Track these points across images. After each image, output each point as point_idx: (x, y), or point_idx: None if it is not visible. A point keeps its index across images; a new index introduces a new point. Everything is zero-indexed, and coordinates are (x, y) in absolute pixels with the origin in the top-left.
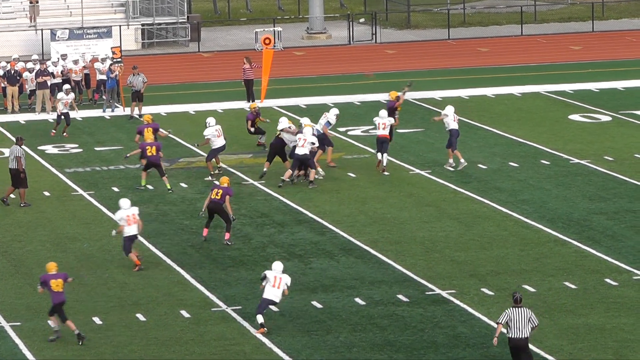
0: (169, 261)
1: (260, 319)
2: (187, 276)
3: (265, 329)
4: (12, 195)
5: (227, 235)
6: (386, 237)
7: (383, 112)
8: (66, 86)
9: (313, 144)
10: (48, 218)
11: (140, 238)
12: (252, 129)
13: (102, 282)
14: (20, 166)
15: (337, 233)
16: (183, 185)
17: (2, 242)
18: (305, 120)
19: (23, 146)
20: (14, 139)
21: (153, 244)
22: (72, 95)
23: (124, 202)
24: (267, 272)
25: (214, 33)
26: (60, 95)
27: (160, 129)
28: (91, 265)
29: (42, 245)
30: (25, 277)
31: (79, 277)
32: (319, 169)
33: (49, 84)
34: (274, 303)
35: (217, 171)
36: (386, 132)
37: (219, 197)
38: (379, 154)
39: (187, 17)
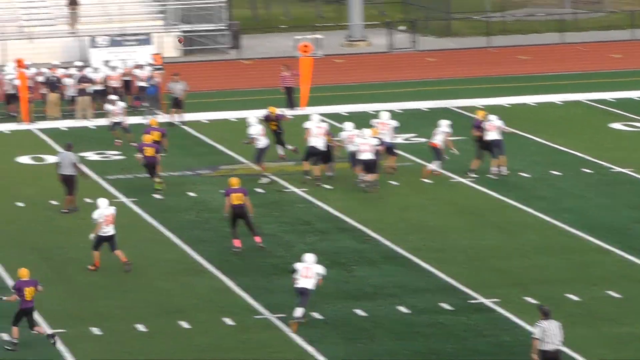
0: (211, 268)
1: (298, 312)
2: (230, 283)
3: (296, 326)
4: (53, 202)
5: (258, 239)
6: (429, 245)
7: (441, 122)
8: (112, 97)
9: (377, 145)
10: (89, 225)
11: (182, 245)
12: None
13: (144, 288)
14: (81, 171)
15: (380, 241)
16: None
17: (43, 249)
18: (348, 125)
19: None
20: (55, 146)
21: (195, 251)
22: (120, 104)
23: (102, 202)
24: (297, 264)
25: (253, 40)
26: (107, 107)
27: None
28: (132, 272)
29: (84, 252)
30: (67, 283)
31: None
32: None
33: (89, 91)
34: (306, 291)
35: (266, 179)
36: (436, 140)
37: (242, 202)
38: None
39: (227, 24)
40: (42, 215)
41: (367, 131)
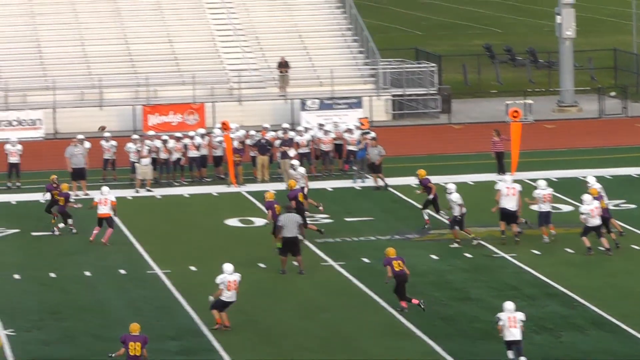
0: (418, 333)
1: (510, 355)
2: (438, 348)
3: None
4: (261, 265)
5: (408, 303)
6: (637, 311)
7: None
8: (294, 162)
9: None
10: (298, 288)
11: (389, 309)
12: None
13: (352, 352)
14: (303, 233)
15: (587, 307)
16: (434, 257)
17: (249, 312)
18: (541, 184)
19: None
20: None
21: (402, 315)
22: (301, 170)
23: (227, 267)
24: (501, 314)
25: (464, 105)
26: (291, 172)
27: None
28: (339, 337)
29: (290, 315)
30: (273, 346)
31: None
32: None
33: (291, 154)
34: (517, 342)
35: (475, 242)
36: None
37: (402, 268)
38: None
39: (438, 88)
40: (249, 278)
41: (587, 197)
